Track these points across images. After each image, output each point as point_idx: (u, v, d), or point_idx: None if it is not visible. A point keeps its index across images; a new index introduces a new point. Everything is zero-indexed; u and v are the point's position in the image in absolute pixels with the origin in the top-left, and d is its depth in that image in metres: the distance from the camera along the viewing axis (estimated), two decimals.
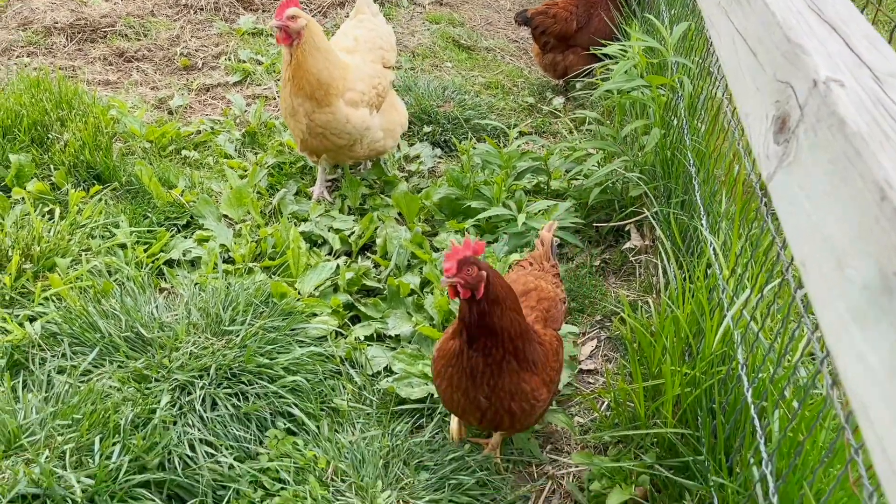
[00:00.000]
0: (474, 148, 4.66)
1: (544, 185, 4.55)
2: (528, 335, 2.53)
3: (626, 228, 4.25)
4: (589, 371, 3.58)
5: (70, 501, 2.46)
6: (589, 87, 5.54)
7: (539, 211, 4.13)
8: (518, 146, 4.54)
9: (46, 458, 2.55)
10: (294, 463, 2.84)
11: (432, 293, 3.69)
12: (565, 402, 3.38)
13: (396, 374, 3.28)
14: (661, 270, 3.63)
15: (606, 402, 3.33)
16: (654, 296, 3.70)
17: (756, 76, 1.52)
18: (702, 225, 3.06)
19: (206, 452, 2.78)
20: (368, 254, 4.11)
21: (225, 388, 2.97)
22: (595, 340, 3.74)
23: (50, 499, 2.42)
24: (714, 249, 2.81)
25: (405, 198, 4.24)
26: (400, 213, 4.34)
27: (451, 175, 4.37)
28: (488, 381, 2.49)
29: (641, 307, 3.63)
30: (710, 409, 2.57)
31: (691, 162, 3.49)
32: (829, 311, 1.07)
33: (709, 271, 2.93)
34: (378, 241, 4.06)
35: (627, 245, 4.16)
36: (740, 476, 2.26)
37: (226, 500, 2.71)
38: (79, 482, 2.46)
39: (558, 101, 5.82)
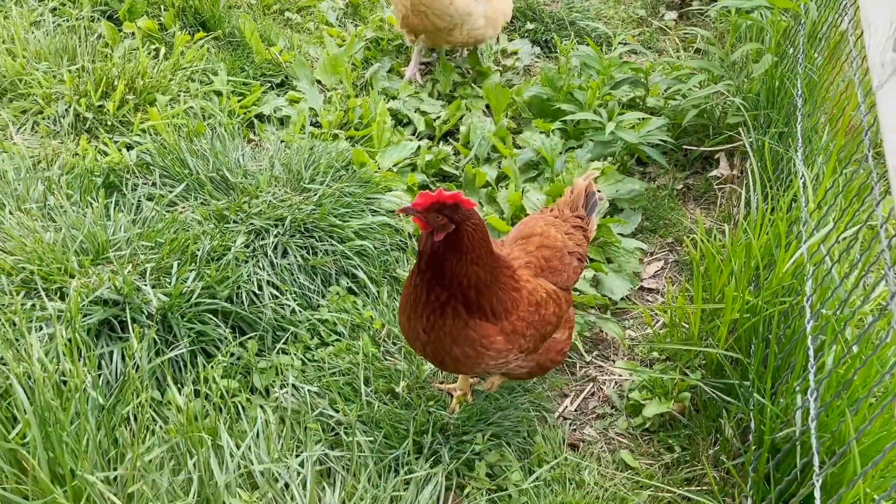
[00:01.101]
0: (575, 49, 4.54)
1: (640, 99, 4.41)
2: (488, 287, 2.30)
3: (716, 156, 4.12)
4: (650, 290, 3.57)
5: (145, 313, 2.66)
6: (706, 4, 5.27)
7: (630, 124, 4.04)
8: (620, 55, 4.39)
9: (129, 271, 2.75)
10: (351, 319, 2.99)
11: (506, 188, 3.70)
12: (620, 315, 3.40)
13: None
14: (743, 202, 3.53)
15: (662, 321, 3.33)
16: (732, 226, 3.62)
17: None
18: (797, 156, 2.94)
19: (271, 294, 2.94)
20: (451, 140, 4.13)
21: (297, 239, 3.11)
22: (662, 262, 3.71)
23: (129, 306, 2.63)
24: (804, 182, 2.72)
25: (496, 90, 4.19)
26: (488, 106, 4.31)
27: (545, 74, 4.29)
28: (428, 316, 2.31)
29: (716, 235, 3.56)
30: (766, 337, 2.56)
31: (799, 93, 3.32)
32: None
33: (794, 205, 2.85)
34: (462, 129, 4.06)
35: (714, 172, 4.04)
36: (782, 403, 2.26)
37: (283, 340, 2.89)
38: (156, 297, 2.66)
39: (671, 16, 5.55)
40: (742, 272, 2.79)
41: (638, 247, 3.61)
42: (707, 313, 2.99)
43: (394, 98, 4.27)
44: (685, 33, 5.23)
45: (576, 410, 3.04)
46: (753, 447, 2.32)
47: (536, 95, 4.24)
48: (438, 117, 4.17)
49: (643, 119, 4.06)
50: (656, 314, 3.36)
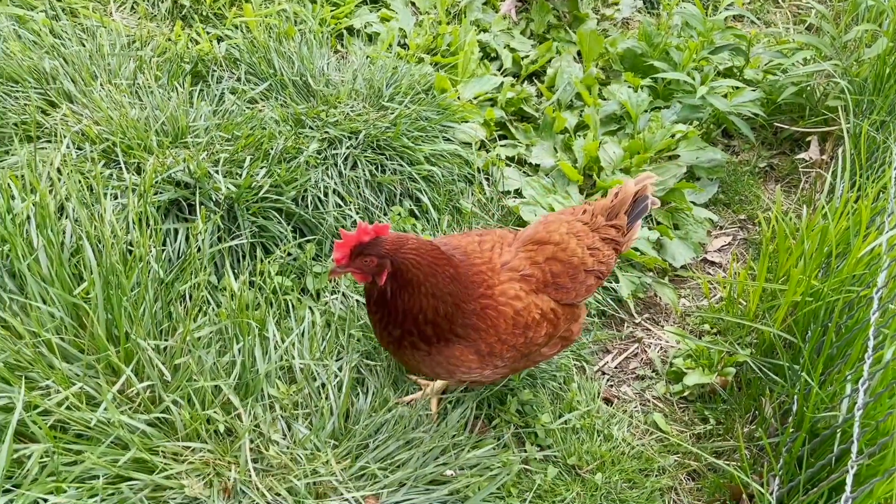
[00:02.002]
0: (679, 7, 4.36)
1: (738, 69, 4.23)
2: (448, 319, 2.04)
3: (808, 139, 3.95)
4: (713, 262, 3.49)
5: (213, 199, 2.73)
6: None
7: (723, 91, 3.88)
8: (725, 19, 4.20)
9: (203, 158, 2.82)
10: None
11: (584, 137, 3.63)
12: (677, 282, 3.34)
13: (525, 198, 3.33)
14: (827, 189, 3.39)
15: (719, 295, 3.26)
16: (811, 211, 3.48)
17: None
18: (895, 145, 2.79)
19: (336, 203, 2.98)
20: (536, 81, 4.05)
21: (368, 154, 3.12)
22: (730, 237, 3.61)
23: (199, 190, 2.71)
24: None
25: (590, 37, 4.08)
26: (579, 53, 4.20)
27: (644, 29, 4.15)
28: (388, 345, 2.18)
29: (792, 217, 3.44)
30: (825, 324, 2.48)
31: None
32: None
33: (881, 195, 2.72)
34: (549, 71, 3.98)
35: (803, 155, 3.88)
36: (829, 390, 2.20)
37: None
38: (225, 186, 2.73)
39: None
40: (813, 256, 2.70)
41: (708, 217, 3.52)
42: (768, 293, 2.91)
43: (485, 31, 4.21)
44: (799, 7, 4.96)
45: (616, 367, 3.03)
46: (791, 429, 2.28)
47: (630, 49, 4.11)
48: (527, 56, 4.10)
49: (737, 88, 3.90)
50: (715, 287, 3.29)
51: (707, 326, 3.12)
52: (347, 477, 2.22)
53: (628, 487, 2.55)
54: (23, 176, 2.55)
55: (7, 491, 1.95)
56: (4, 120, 2.83)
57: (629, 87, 3.89)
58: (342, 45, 3.86)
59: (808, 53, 3.93)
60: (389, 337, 2.10)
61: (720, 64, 4.19)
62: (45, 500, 1.93)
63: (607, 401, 2.86)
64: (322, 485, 2.20)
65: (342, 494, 2.17)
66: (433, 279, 1.96)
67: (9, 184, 2.50)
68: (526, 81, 4.03)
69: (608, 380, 2.96)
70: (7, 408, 2.06)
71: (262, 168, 2.87)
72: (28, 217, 2.42)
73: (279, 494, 2.15)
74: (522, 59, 4.07)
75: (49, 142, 2.81)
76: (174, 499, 2.08)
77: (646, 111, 3.77)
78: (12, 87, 2.97)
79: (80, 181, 2.59)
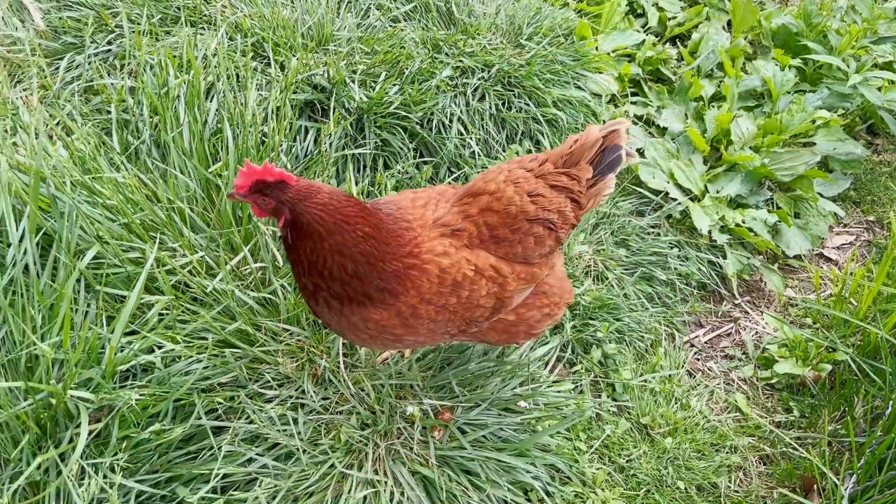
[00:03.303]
0: None
1: None
2: (358, 278, 1.82)
3: None
4: (828, 259, 3.36)
5: (345, 106, 2.84)
6: None
7: (877, 84, 3.66)
8: (895, 9, 3.93)
9: (342, 66, 2.92)
10: None
11: (718, 108, 3.52)
12: (786, 271, 3.24)
13: (645, 158, 3.28)
14: None
15: (829, 291, 3.15)
16: None
17: None
18: None
19: (458, 130, 3.04)
20: (679, 44, 3.94)
21: (497, 89, 3.15)
22: (853, 237, 3.45)
23: (334, 96, 2.82)
24: None
25: (744, 6, 3.91)
26: (729, 23, 4.04)
27: (805, 7, 3.93)
28: (307, 301, 1.94)
29: None
30: None
31: None
32: None
33: None
34: (694, 36, 3.86)
35: None
36: None
37: (454, 177, 3.00)
38: (359, 96, 2.83)
39: None
40: None
41: (834, 212, 3.37)
42: (883, 297, 2.79)
43: None
44: None
45: (706, 343, 2.99)
46: (880, 432, 2.22)
47: (785, 25, 3.91)
48: (674, 18, 3.98)
49: (893, 83, 3.66)
50: (827, 282, 3.17)
51: (809, 320, 3.03)
52: (427, 385, 2.33)
53: (696, 457, 2.55)
54: (180, 56, 2.73)
55: (130, 332, 2.16)
56: (171, 2, 3.01)
57: (776, 64, 3.72)
58: None
59: None
60: (305, 290, 1.90)
61: (880, 56, 3.93)
62: (160, 347, 2.13)
63: (691, 373, 2.85)
64: (404, 388, 2.32)
65: (420, 400, 2.28)
66: (339, 237, 1.78)
67: (167, 61, 2.69)
68: (668, 43, 3.93)
69: (696, 353, 2.94)
70: (138, 261, 2.26)
71: (394, 85, 2.95)
72: (179, 95, 2.60)
73: (363, 389, 2.28)
74: (669, 19, 3.96)
75: (206, 28, 2.99)
76: (268, 372, 2.25)
77: (788, 92, 3.61)
78: None
79: (229, 68, 2.75)
